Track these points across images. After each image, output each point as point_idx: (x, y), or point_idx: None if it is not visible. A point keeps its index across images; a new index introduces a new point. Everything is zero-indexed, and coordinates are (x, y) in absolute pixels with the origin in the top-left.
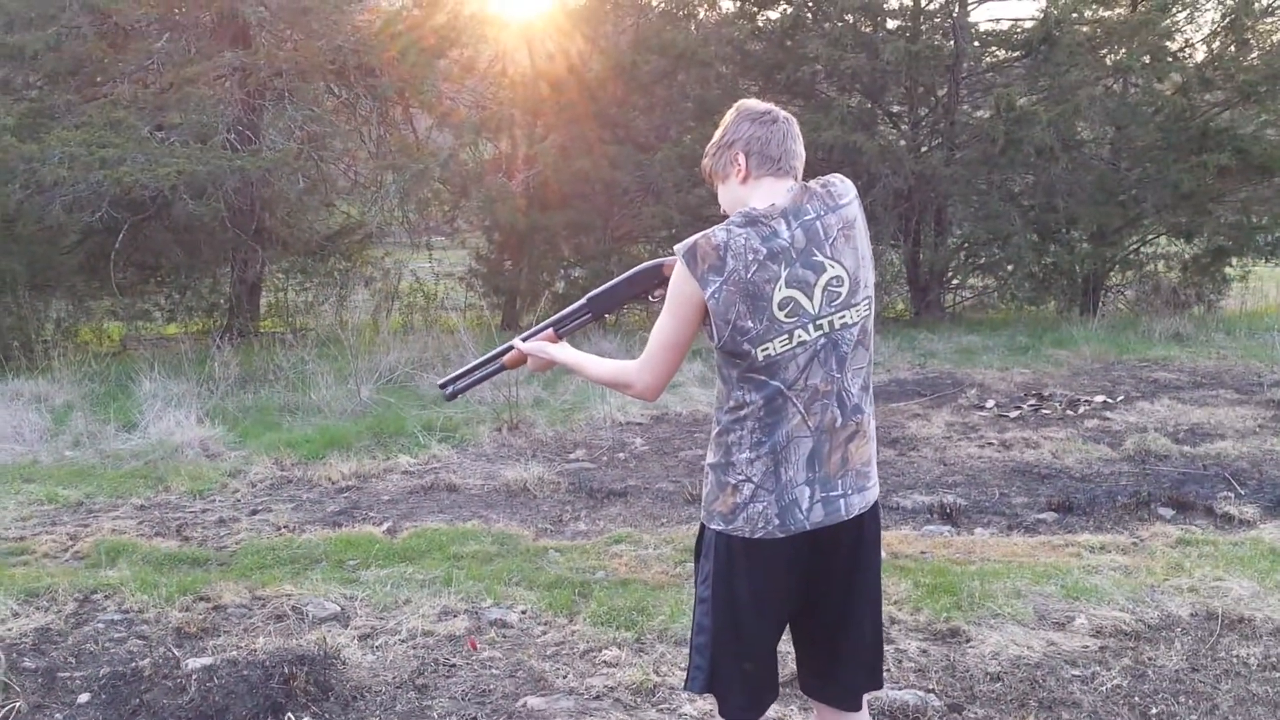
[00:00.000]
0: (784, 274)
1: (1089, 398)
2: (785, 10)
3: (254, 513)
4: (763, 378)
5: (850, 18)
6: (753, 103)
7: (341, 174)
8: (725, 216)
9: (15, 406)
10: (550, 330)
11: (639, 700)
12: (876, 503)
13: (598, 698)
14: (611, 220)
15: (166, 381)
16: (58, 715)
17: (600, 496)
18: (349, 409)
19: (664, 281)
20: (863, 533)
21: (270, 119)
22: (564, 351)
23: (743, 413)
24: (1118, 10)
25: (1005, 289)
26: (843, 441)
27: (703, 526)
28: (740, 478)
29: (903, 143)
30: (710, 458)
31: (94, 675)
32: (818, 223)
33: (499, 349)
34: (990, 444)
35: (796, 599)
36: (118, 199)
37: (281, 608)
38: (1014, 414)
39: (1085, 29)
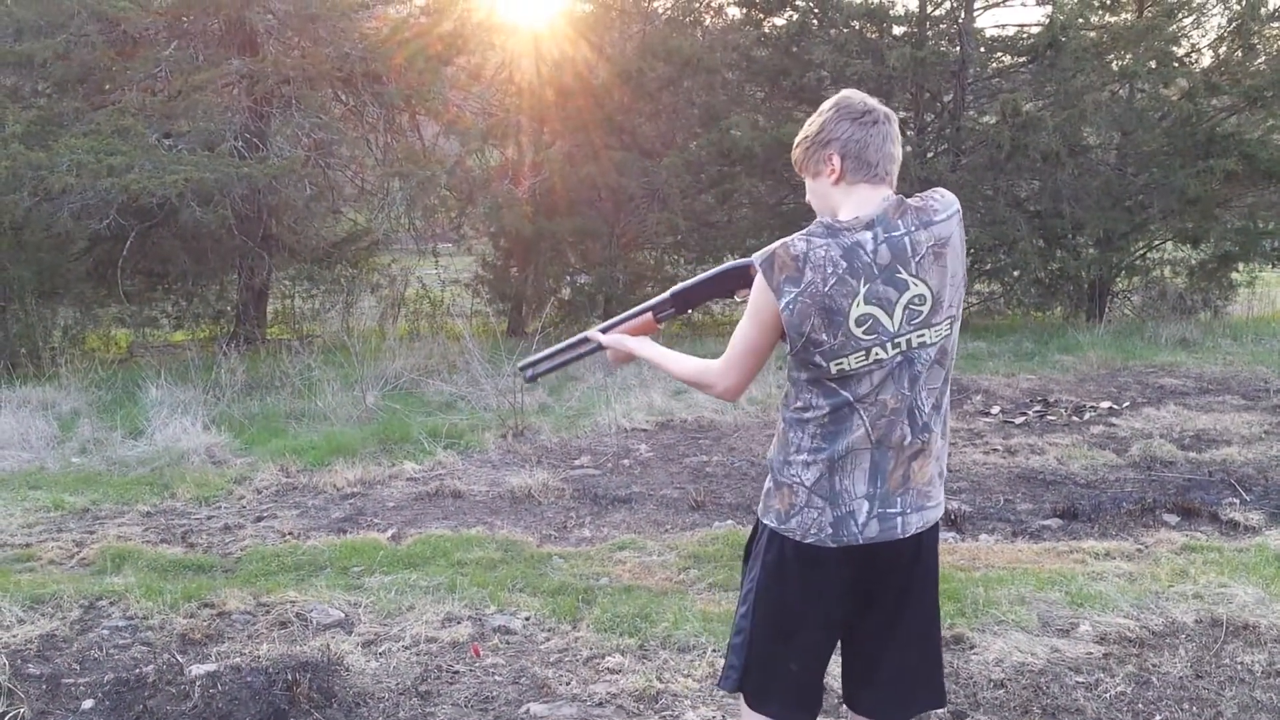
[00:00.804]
0: (863, 290)
1: (1095, 404)
2: (791, 17)
3: (259, 519)
4: (834, 387)
5: (856, 24)
6: (855, 97)
7: (348, 181)
8: (808, 211)
9: (22, 413)
10: (636, 321)
11: (642, 708)
12: (937, 522)
13: (600, 705)
14: (618, 227)
15: (173, 388)
16: None
17: (605, 503)
18: (355, 416)
19: (749, 282)
20: (920, 552)
21: (277, 126)
22: (645, 346)
23: (806, 415)
24: (1124, 16)
25: (1011, 295)
26: (907, 459)
27: (757, 523)
28: (794, 479)
29: (908, 148)
30: (771, 453)
31: (98, 682)
32: (906, 239)
33: (579, 337)
34: (995, 450)
35: (848, 610)
36: (125, 206)
37: (286, 614)
38: (1019, 420)
39: (1091, 34)
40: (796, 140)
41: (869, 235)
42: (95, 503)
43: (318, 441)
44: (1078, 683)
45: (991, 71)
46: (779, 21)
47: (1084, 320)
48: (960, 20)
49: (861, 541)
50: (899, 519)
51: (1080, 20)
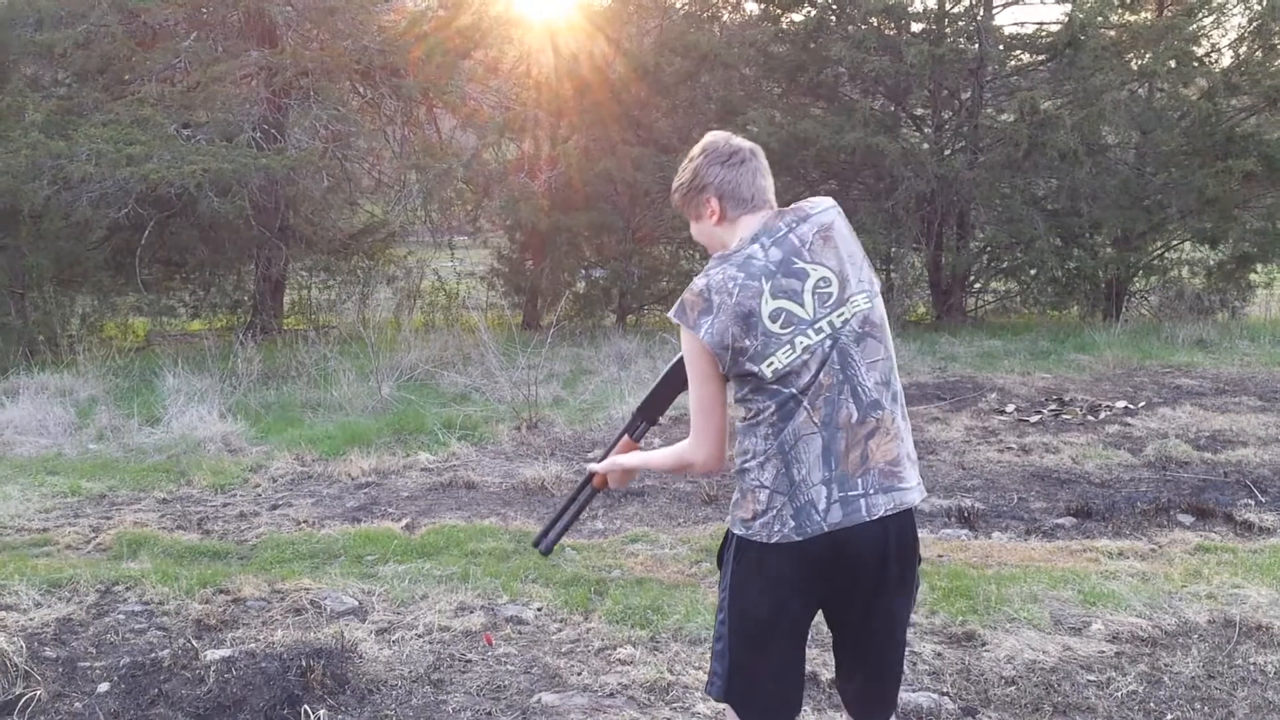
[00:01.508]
0: (767, 288)
1: (1110, 403)
2: (809, 13)
3: (274, 507)
4: (775, 387)
5: (874, 20)
6: (720, 141)
7: (365, 173)
8: (701, 248)
9: (40, 400)
10: (625, 439)
11: (653, 699)
12: (909, 512)
13: (612, 695)
14: (633, 221)
15: (190, 377)
16: (78, 704)
17: (617, 496)
18: (370, 406)
19: None
20: (888, 538)
21: (295, 118)
22: (634, 458)
23: (756, 420)
24: (1144, 15)
25: (1028, 293)
26: (862, 439)
27: (727, 533)
28: (755, 484)
29: (926, 146)
30: (734, 468)
31: (114, 665)
32: (791, 235)
33: (580, 484)
34: (1010, 448)
35: (816, 608)
36: (144, 196)
37: (300, 601)
38: (1034, 419)
39: (1110, 33)
40: (674, 186)
41: (756, 246)
42: (112, 489)
43: (333, 431)
44: (1089, 681)
45: (1010, 69)
46: (797, 17)
47: (1100, 319)
48: (979, 17)
49: (826, 528)
50: (862, 500)
51: (1100, 19)
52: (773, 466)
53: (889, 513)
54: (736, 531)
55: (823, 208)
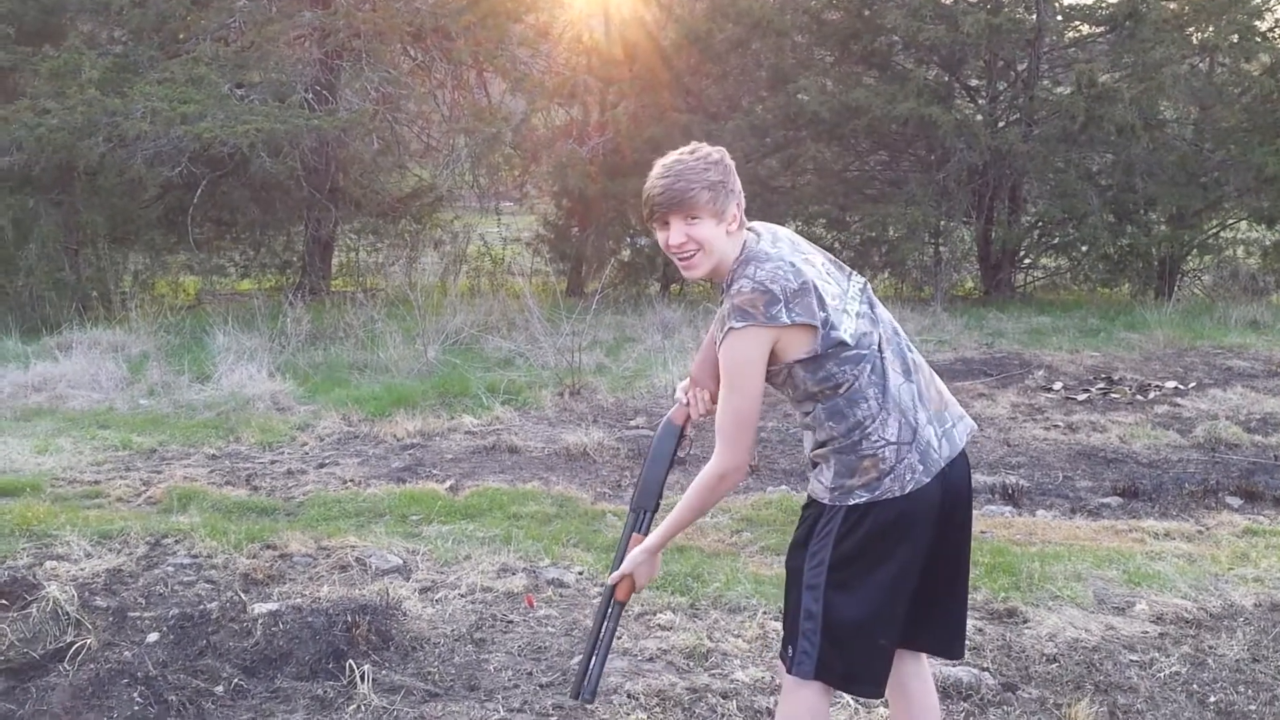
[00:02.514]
0: (809, 271)
1: (1160, 383)
2: None
3: (321, 466)
4: (855, 350)
5: None
6: (726, 154)
7: (415, 136)
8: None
9: (93, 355)
10: (634, 536)
11: (691, 664)
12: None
13: (651, 659)
14: None
15: (239, 336)
16: (127, 653)
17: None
18: (416, 369)
19: (681, 433)
20: (968, 465)
21: (347, 80)
22: (653, 538)
23: (855, 386)
24: None
25: (1079, 270)
26: (930, 378)
27: (817, 513)
28: (879, 444)
29: (979, 117)
30: (831, 447)
31: (163, 616)
32: (781, 235)
33: (602, 608)
34: (1056, 426)
35: (930, 552)
36: (197, 155)
37: (346, 558)
38: (1082, 397)
39: (1172, 5)
40: (702, 180)
41: (767, 245)
42: (162, 443)
43: (379, 392)
44: (1131, 661)
45: (1068, 41)
46: None
47: (1152, 298)
48: None
49: (944, 464)
50: (955, 430)
51: None
52: (895, 421)
53: (967, 437)
54: (857, 500)
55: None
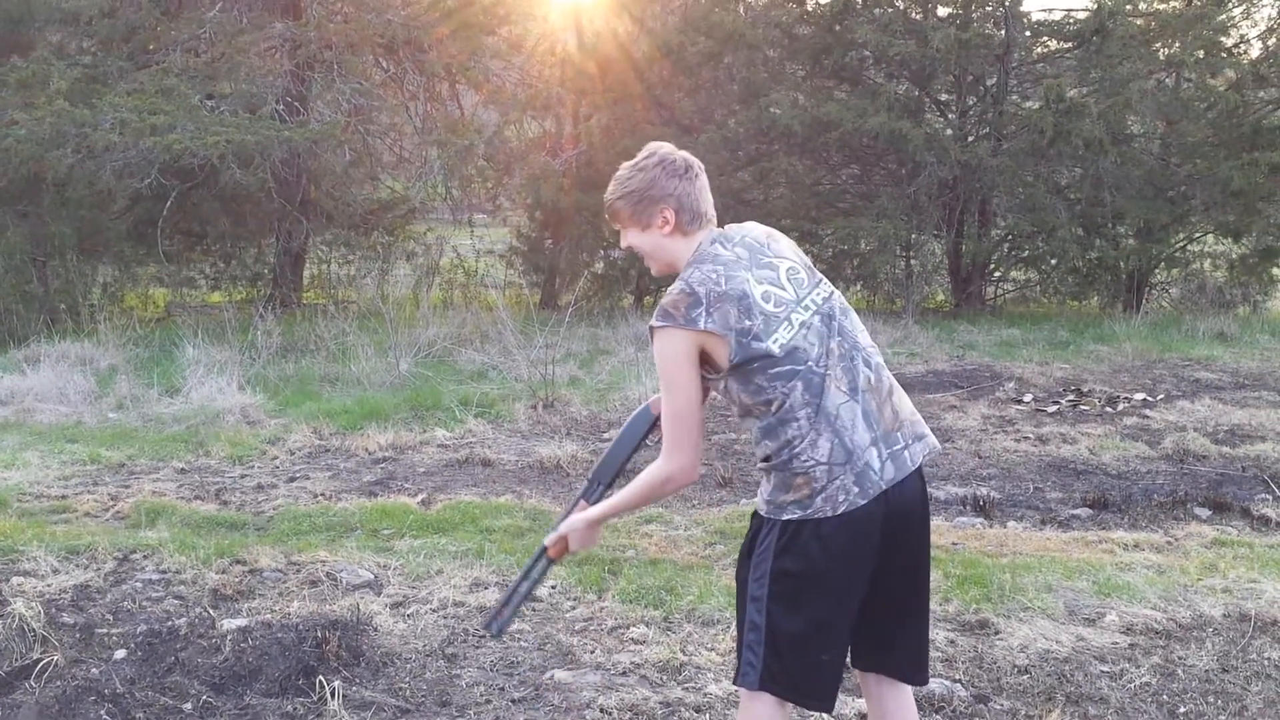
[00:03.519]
0: (750, 276)
1: (1129, 395)
2: None
3: (292, 480)
4: (789, 367)
5: (901, 4)
6: (672, 155)
7: (387, 148)
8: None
9: (61, 368)
10: (581, 503)
11: (665, 678)
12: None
13: (624, 673)
14: None
15: (209, 348)
16: (94, 670)
17: (632, 476)
18: (388, 381)
19: (655, 421)
20: (923, 484)
21: (318, 91)
22: (594, 510)
23: (787, 405)
24: (1172, 4)
25: (1048, 283)
26: (886, 397)
27: (760, 526)
28: (809, 464)
29: (949, 132)
30: (769, 463)
31: (131, 632)
32: (747, 237)
33: (532, 560)
34: (1026, 438)
35: (871, 574)
36: (167, 166)
37: (316, 573)
38: (1052, 409)
39: (1139, 21)
40: (619, 192)
41: (718, 246)
42: (131, 458)
43: (351, 405)
44: (1102, 672)
45: (1036, 56)
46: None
47: (1120, 311)
48: (1006, 3)
49: (885, 486)
50: (905, 452)
51: (1128, 6)
52: (826, 441)
53: (924, 459)
54: (791, 516)
55: (757, 228)
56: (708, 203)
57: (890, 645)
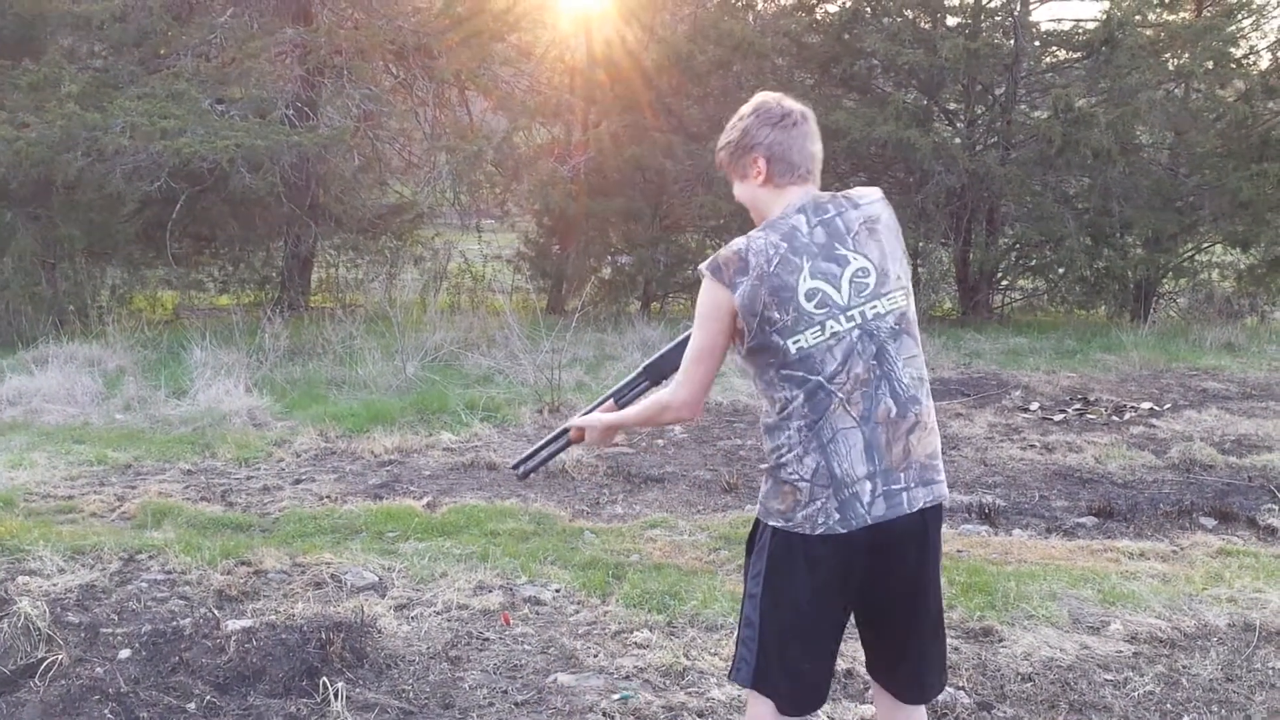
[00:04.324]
0: (807, 266)
1: (1135, 404)
2: (844, 4)
3: (297, 482)
4: (800, 373)
5: (910, 13)
6: (772, 102)
7: (396, 154)
8: (743, 209)
9: (69, 369)
10: (610, 402)
11: (668, 682)
12: (942, 503)
13: (627, 678)
14: (662, 208)
15: (217, 351)
16: (99, 669)
17: (638, 481)
18: (394, 385)
19: None
20: (928, 530)
21: (328, 96)
22: (608, 417)
23: (787, 411)
24: (1182, 14)
25: (1055, 292)
26: (904, 433)
27: (757, 522)
28: (794, 476)
29: (958, 140)
30: (765, 463)
31: (135, 632)
32: (838, 219)
33: (560, 429)
34: (1032, 446)
35: (859, 598)
36: (176, 170)
37: (321, 575)
38: (1058, 417)
39: (1148, 32)
40: (720, 143)
41: (802, 219)
42: (138, 459)
43: (357, 409)
44: (1106, 680)
45: (1045, 66)
46: (831, 8)
47: (1128, 320)
48: (1015, 13)
49: (870, 521)
50: (904, 494)
51: (1137, 17)
52: (812, 460)
53: (928, 505)
54: (773, 524)
55: (871, 199)
56: (806, 156)
57: (892, 668)
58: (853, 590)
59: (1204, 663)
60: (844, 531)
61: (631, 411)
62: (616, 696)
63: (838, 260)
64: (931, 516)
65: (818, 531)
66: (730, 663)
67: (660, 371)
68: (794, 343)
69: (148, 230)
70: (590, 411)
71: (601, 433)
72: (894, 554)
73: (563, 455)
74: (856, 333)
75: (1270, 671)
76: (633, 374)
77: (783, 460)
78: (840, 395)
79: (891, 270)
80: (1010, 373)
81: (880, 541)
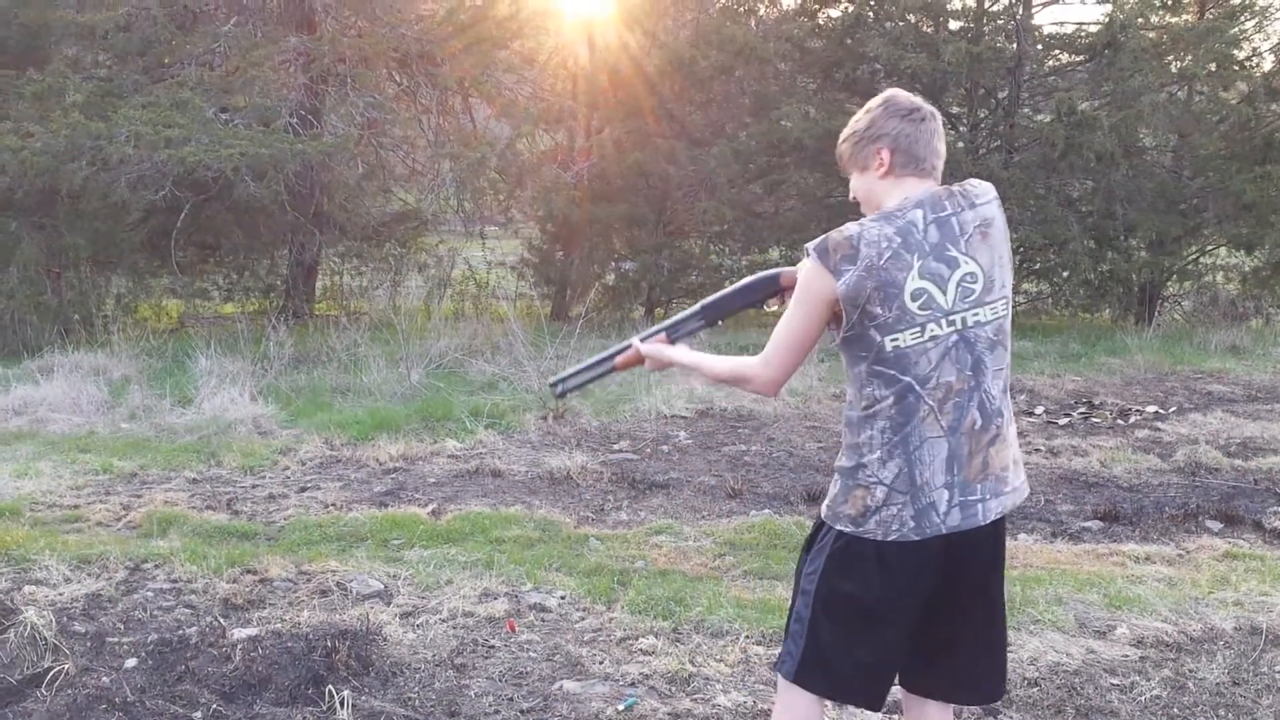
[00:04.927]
0: (917, 265)
1: (1140, 408)
2: (846, 8)
3: (303, 490)
4: (893, 372)
5: (912, 17)
6: (902, 96)
7: (400, 161)
8: (850, 203)
9: (75, 378)
10: (663, 334)
11: (673, 689)
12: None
13: (633, 685)
14: (665, 214)
15: (222, 359)
16: (105, 678)
17: (642, 488)
18: (399, 392)
19: (778, 292)
20: (999, 540)
21: (332, 104)
22: (681, 353)
23: (874, 410)
24: (1184, 17)
25: (1060, 295)
26: (984, 445)
27: (820, 524)
28: (872, 479)
29: (961, 144)
30: (840, 461)
31: (142, 641)
32: (954, 219)
33: (614, 349)
34: (1038, 450)
35: (929, 604)
36: (181, 179)
37: (326, 583)
38: (1063, 421)
39: (1151, 35)
40: (844, 135)
41: (919, 214)
42: (143, 467)
43: (362, 416)
44: (1113, 685)
45: (1048, 69)
46: (834, 13)
47: (1133, 323)
48: (1018, 16)
49: (945, 531)
50: (979, 505)
51: (1140, 20)
52: (895, 465)
53: (999, 515)
54: (843, 528)
55: (987, 198)
56: (931, 151)
57: (933, 666)
58: (920, 595)
59: (1210, 667)
60: (917, 539)
61: (714, 362)
62: (622, 705)
63: (948, 261)
64: (1001, 527)
65: (890, 538)
66: (778, 655)
67: (717, 313)
68: (891, 340)
69: (152, 239)
70: (648, 339)
71: (661, 363)
72: (965, 563)
73: (567, 461)
74: (955, 338)
75: (1277, 675)
76: (690, 310)
77: (864, 460)
78: (931, 402)
79: (998, 278)
80: (1015, 376)
81: (952, 551)
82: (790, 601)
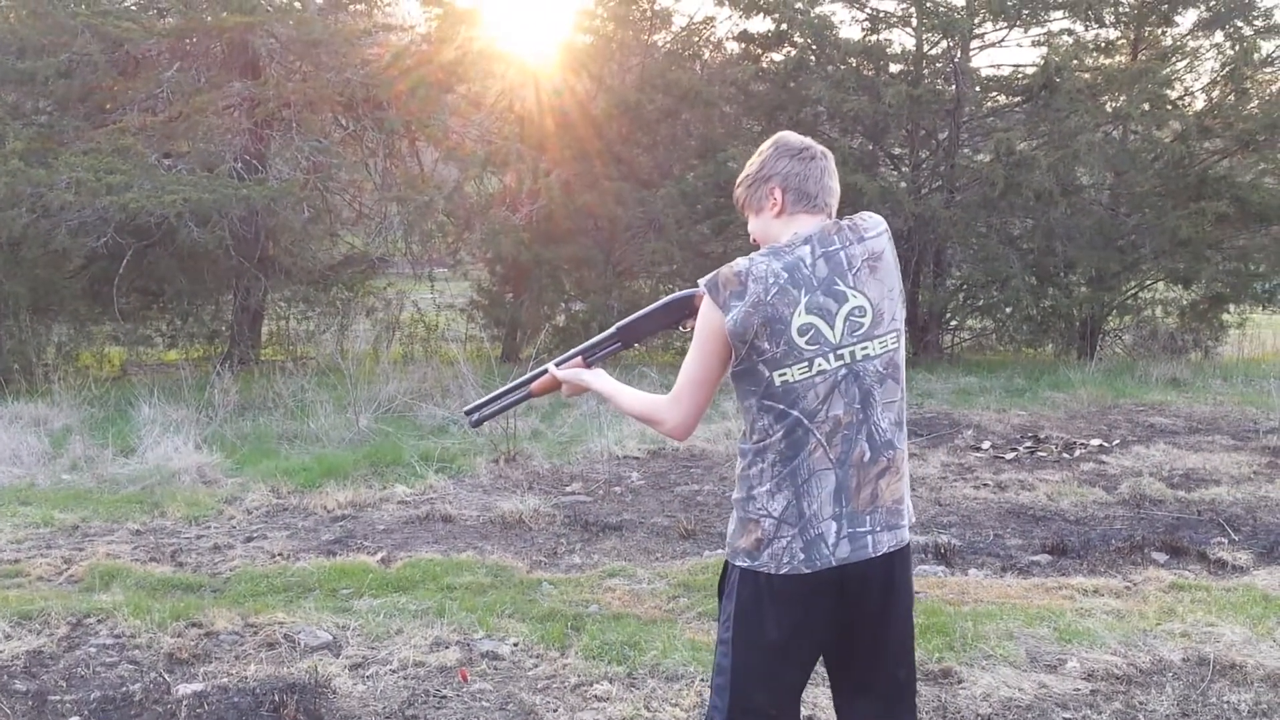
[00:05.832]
0: (804, 300)
1: (1085, 441)
2: (789, 53)
3: (249, 540)
4: (781, 406)
5: (853, 61)
6: (791, 137)
7: (346, 205)
8: (753, 245)
9: (14, 429)
10: (580, 358)
11: None
12: (908, 544)
13: None
14: (614, 255)
15: (166, 407)
16: None
17: (595, 530)
18: (347, 438)
19: (694, 312)
20: (893, 572)
21: (277, 149)
22: (599, 379)
23: (764, 443)
24: (1118, 58)
25: (1003, 331)
26: (873, 477)
27: (726, 565)
28: (761, 512)
29: (903, 184)
30: (735, 493)
31: (85, 699)
32: (842, 253)
33: (528, 375)
34: (985, 485)
35: (825, 639)
36: (123, 225)
37: (274, 635)
38: (1010, 456)
39: (1086, 76)
40: (739, 180)
41: (807, 249)
42: (85, 520)
43: (309, 463)
44: (1065, 719)
45: (986, 110)
46: (777, 57)
47: (1075, 358)
48: (956, 59)
49: (835, 563)
50: (869, 537)
51: (1075, 62)
52: (783, 498)
53: (892, 549)
54: (739, 564)
55: (877, 231)
56: (822, 188)
57: (851, 705)
58: (818, 631)
59: (1160, 698)
60: (808, 571)
61: (628, 396)
62: None
63: (835, 296)
64: (898, 560)
65: (783, 570)
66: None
67: (633, 335)
68: (780, 375)
69: (94, 286)
70: (564, 363)
71: (578, 389)
72: (859, 596)
73: (519, 504)
74: (843, 372)
75: (1225, 705)
76: (606, 333)
77: (753, 493)
78: (819, 435)
79: (888, 311)
80: (962, 412)
81: (844, 583)
82: (713, 653)
